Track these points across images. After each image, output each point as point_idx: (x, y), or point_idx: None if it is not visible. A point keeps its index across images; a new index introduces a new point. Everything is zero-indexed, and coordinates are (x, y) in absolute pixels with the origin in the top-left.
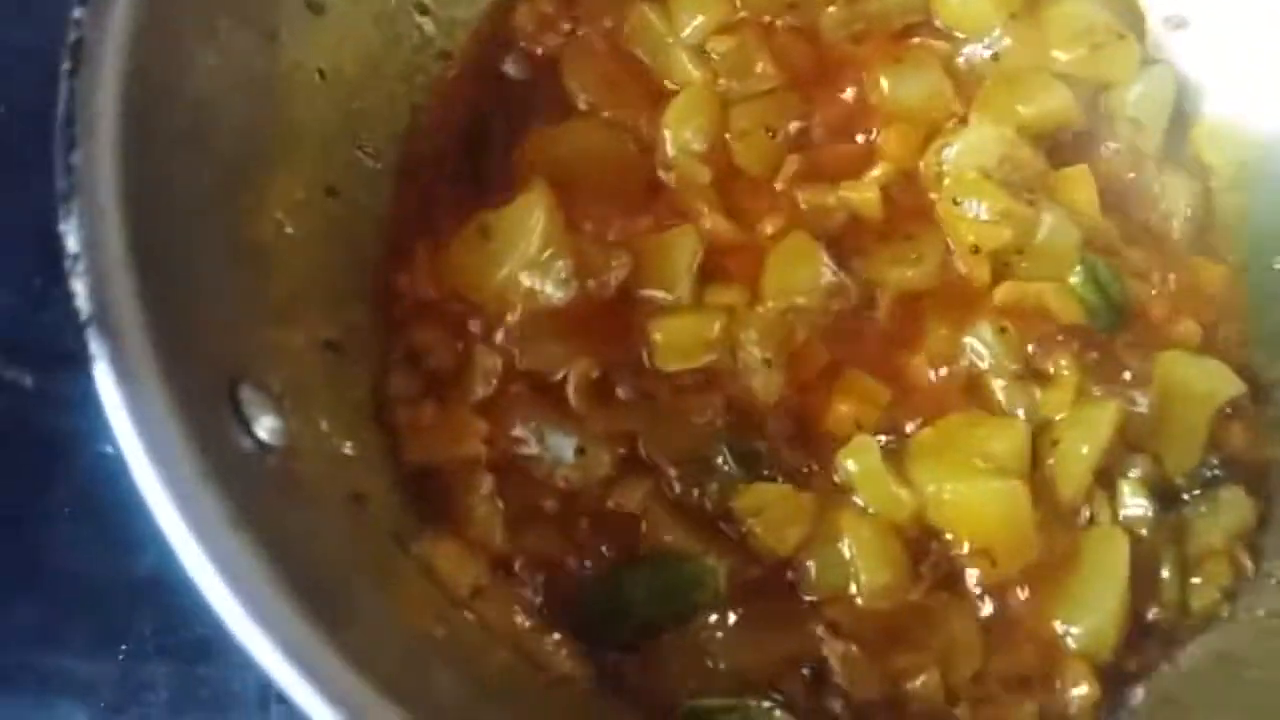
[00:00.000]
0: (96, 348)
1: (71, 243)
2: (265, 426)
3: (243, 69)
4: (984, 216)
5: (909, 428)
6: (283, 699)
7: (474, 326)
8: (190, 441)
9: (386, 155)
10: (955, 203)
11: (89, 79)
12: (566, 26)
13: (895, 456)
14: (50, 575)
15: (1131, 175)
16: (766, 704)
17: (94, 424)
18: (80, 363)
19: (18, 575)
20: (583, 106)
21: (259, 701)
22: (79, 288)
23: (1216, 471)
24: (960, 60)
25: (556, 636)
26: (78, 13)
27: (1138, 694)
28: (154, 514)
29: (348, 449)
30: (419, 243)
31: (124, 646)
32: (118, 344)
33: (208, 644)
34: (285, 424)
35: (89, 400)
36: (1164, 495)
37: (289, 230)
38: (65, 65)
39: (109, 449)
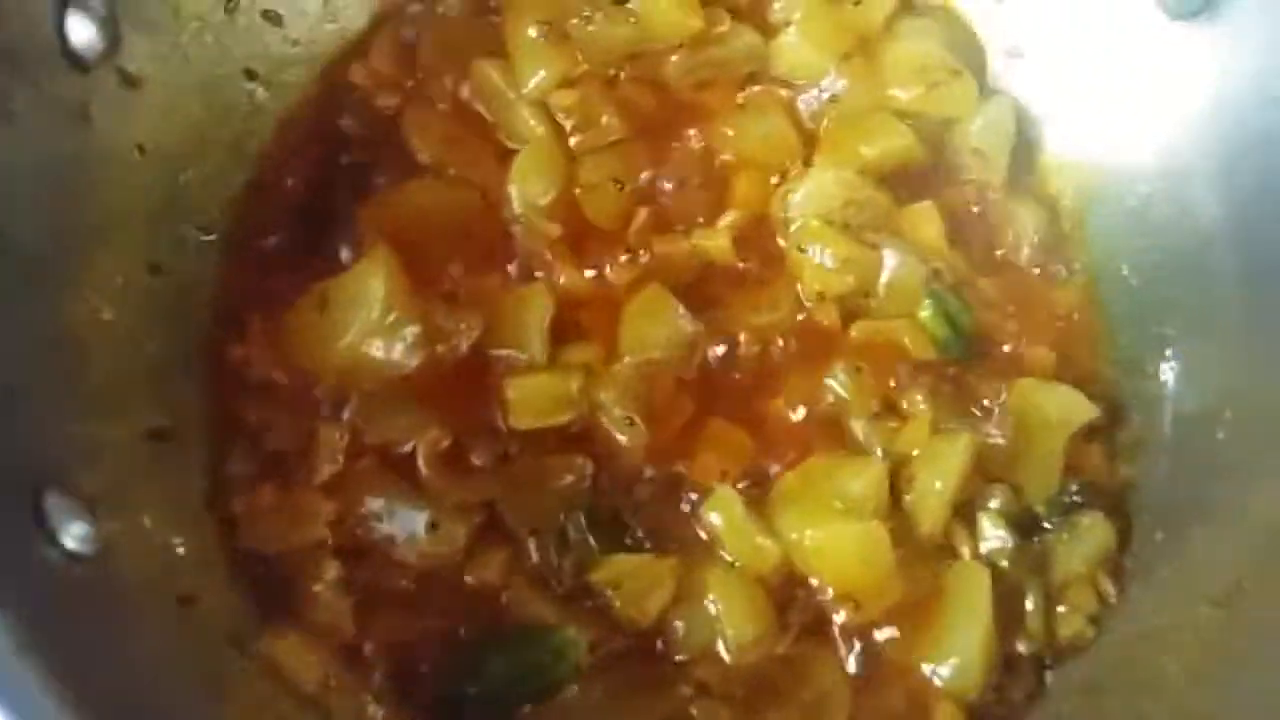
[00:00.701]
0: None
1: None
2: (73, 535)
3: (45, 153)
4: (828, 264)
5: (774, 472)
6: None
7: (316, 401)
8: None
9: (217, 227)
10: (801, 250)
11: None
12: (407, 83)
13: (759, 505)
14: None
15: (979, 207)
16: None
17: None
18: None
19: None
20: (425, 163)
21: None
22: None
23: (1076, 498)
24: (801, 105)
25: None
26: None
27: None
28: None
29: (177, 546)
30: (253, 315)
31: None
32: None
33: None
34: (97, 529)
35: None
36: (1024, 525)
37: (108, 316)
38: None
39: None
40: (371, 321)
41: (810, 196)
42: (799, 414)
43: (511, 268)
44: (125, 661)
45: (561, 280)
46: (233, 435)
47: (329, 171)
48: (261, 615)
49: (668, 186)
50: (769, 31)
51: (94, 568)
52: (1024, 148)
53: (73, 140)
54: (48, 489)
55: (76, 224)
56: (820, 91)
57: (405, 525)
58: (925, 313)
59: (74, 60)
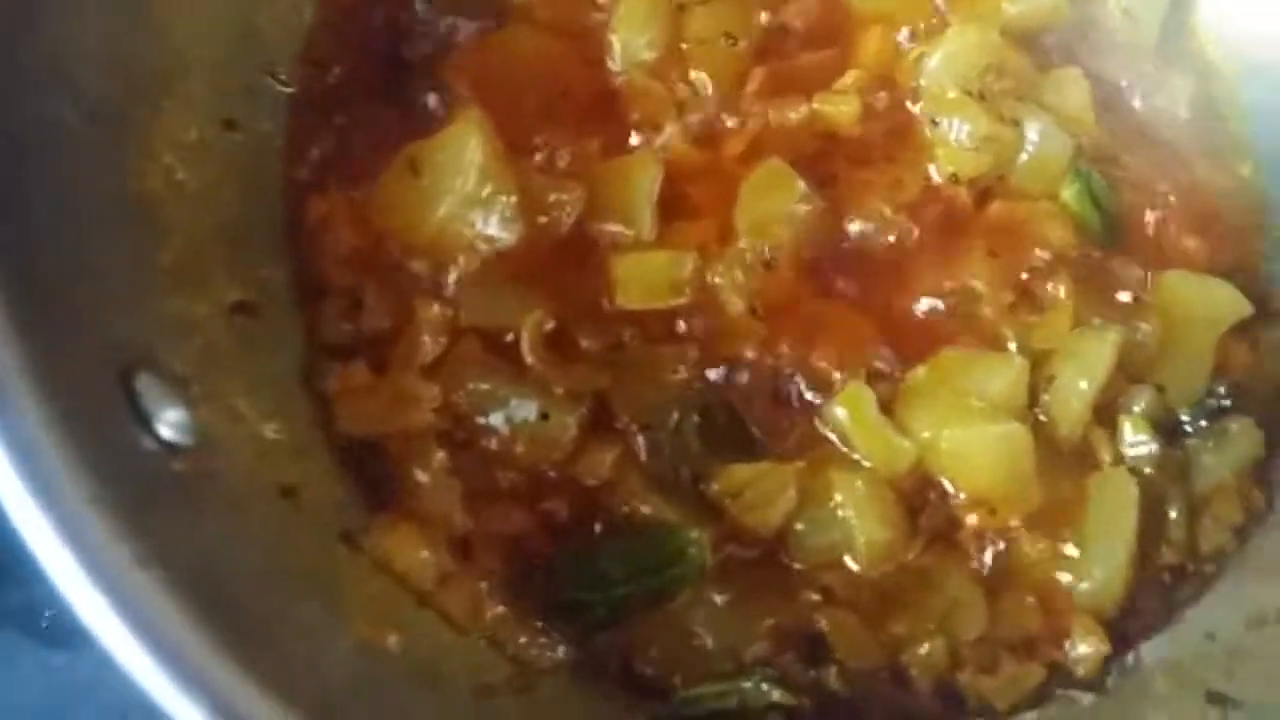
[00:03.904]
0: None
1: None
2: (169, 421)
3: None
4: (965, 141)
5: (899, 369)
6: None
7: (411, 275)
8: (76, 461)
9: (293, 77)
10: (934, 123)
11: None
12: None
13: (887, 401)
14: None
15: (1126, 75)
16: (762, 684)
17: None
18: None
19: None
20: (518, 5)
21: None
22: None
23: (1224, 401)
24: None
25: (535, 623)
26: None
27: (1146, 650)
28: (36, 555)
29: (271, 432)
30: (336, 177)
31: None
32: None
33: None
34: (193, 414)
35: None
36: (1168, 429)
37: (182, 177)
38: None
39: None
40: (466, 192)
41: (947, 61)
42: (927, 304)
43: (613, 130)
44: (236, 565)
45: (670, 147)
46: (322, 311)
47: (411, 14)
48: (368, 507)
49: (786, 43)
50: None
51: (193, 460)
52: (1178, 10)
53: None
54: (138, 370)
55: (146, 70)
56: None
57: (512, 414)
58: (1069, 192)
59: None
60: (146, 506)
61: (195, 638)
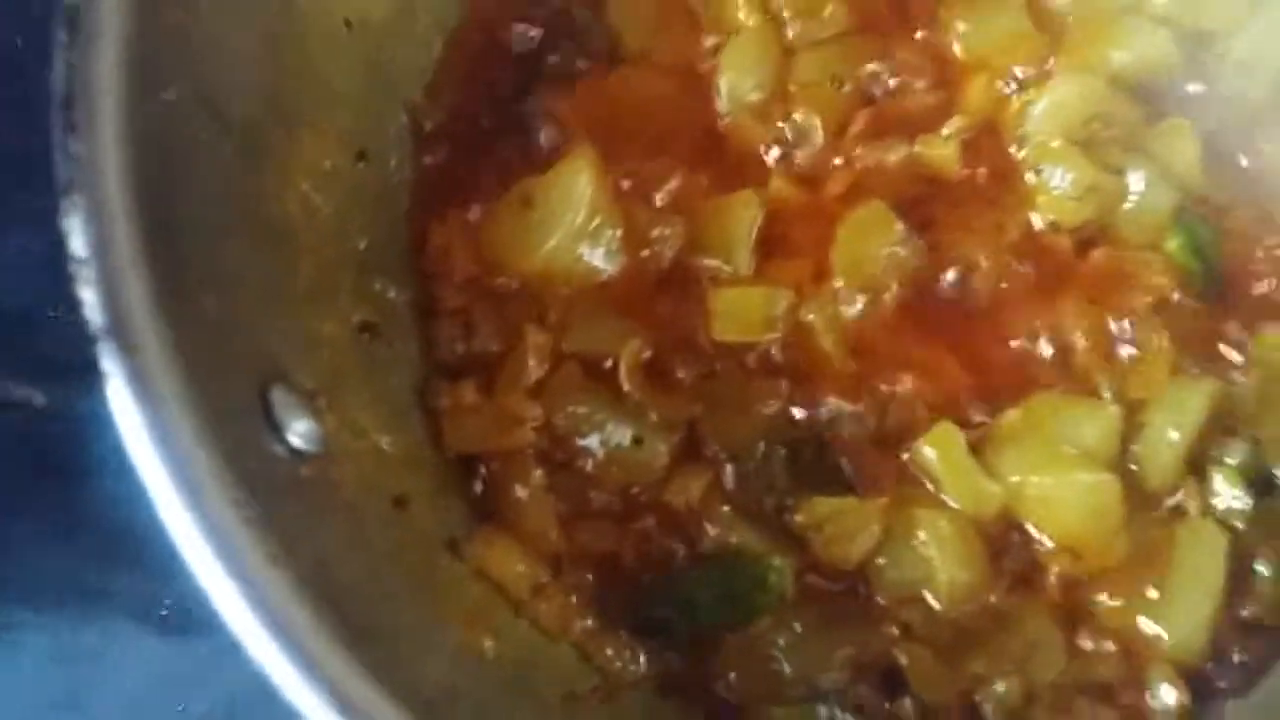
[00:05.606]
0: (111, 365)
1: (76, 244)
2: (299, 432)
3: (259, 29)
4: (1068, 191)
5: (987, 415)
6: None
7: (521, 302)
8: (221, 466)
9: (418, 110)
10: (1036, 171)
11: (88, 51)
12: None
13: (976, 444)
14: None
15: (1235, 127)
16: (837, 710)
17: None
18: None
19: None
20: (632, 49)
21: None
22: (88, 296)
23: None
24: None
25: (621, 637)
26: None
27: (1229, 708)
28: (183, 553)
29: (386, 444)
30: (454, 207)
31: None
32: (135, 359)
33: None
34: (320, 425)
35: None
36: (1261, 484)
37: (316, 203)
38: (60, 37)
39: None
40: (575, 225)
41: (1053, 109)
42: (1021, 348)
43: (718, 169)
44: (351, 566)
45: (771, 187)
46: (437, 333)
47: (528, 52)
48: (471, 519)
49: (890, 87)
50: None
51: (318, 467)
52: None
53: (283, 16)
54: (273, 385)
55: (288, 103)
56: None
57: (607, 437)
58: (1174, 243)
59: None
60: (277, 509)
61: (315, 631)
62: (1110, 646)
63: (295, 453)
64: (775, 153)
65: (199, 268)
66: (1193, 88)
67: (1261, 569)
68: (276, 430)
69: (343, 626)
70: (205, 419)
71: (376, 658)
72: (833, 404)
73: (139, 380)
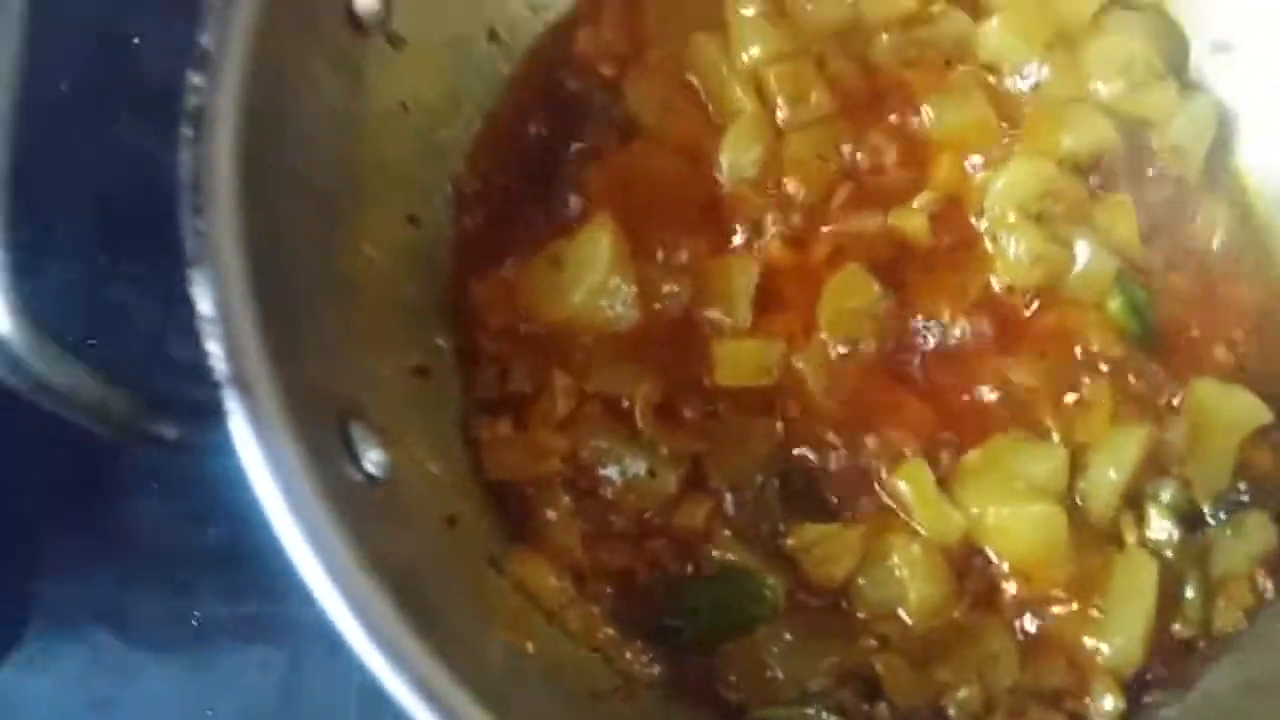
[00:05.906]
0: (235, 406)
1: (204, 306)
2: (372, 460)
3: (333, 110)
4: (1022, 258)
5: (952, 453)
6: None
7: (550, 349)
8: (320, 488)
9: (462, 181)
10: (995, 240)
11: (210, 141)
12: (628, 51)
13: (944, 479)
14: None
15: (1170, 202)
16: (823, 712)
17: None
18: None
19: None
20: (648, 128)
21: None
22: (215, 349)
23: (1243, 497)
24: (1004, 90)
25: (637, 643)
26: (197, 79)
27: (1162, 714)
28: (296, 565)
29: (437, 471)
30: (492, 265)
31: None
32: (253, 401)
33: None
34: (389, 455)
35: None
36: (1190, 519)
37: (376, 261)
38: (186, 131)
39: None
40: (597, 283)
41: (1009, 187)
42: (983, 395)
43: (719, 235)
44: (419, 575)
45: (766, 249)
46: (477, 375)
47: (555, 130)
48: (509, 538)
49: (868, 164)
50: (978, 14)
51: (387, 491)
52: (1221, 146)
53: (352, 98)
54: (351, 420)
55: (354, 175)
56: (1022, 79)
57: (625, 468)
58: (1115, 304)
59: (355, 24)
60: (362, 526)
61: (401, 630)
62: (1059, 658)
63: (370, 478)
64: (770, 219)
65: (296, 322)
66: (1132, 168)
67: (1190, 593)
68: (355, 460)
69: (419, 627)
70: (306, 449)
71: (447, 651)
72: (820, 441)
73: (257, 419)
